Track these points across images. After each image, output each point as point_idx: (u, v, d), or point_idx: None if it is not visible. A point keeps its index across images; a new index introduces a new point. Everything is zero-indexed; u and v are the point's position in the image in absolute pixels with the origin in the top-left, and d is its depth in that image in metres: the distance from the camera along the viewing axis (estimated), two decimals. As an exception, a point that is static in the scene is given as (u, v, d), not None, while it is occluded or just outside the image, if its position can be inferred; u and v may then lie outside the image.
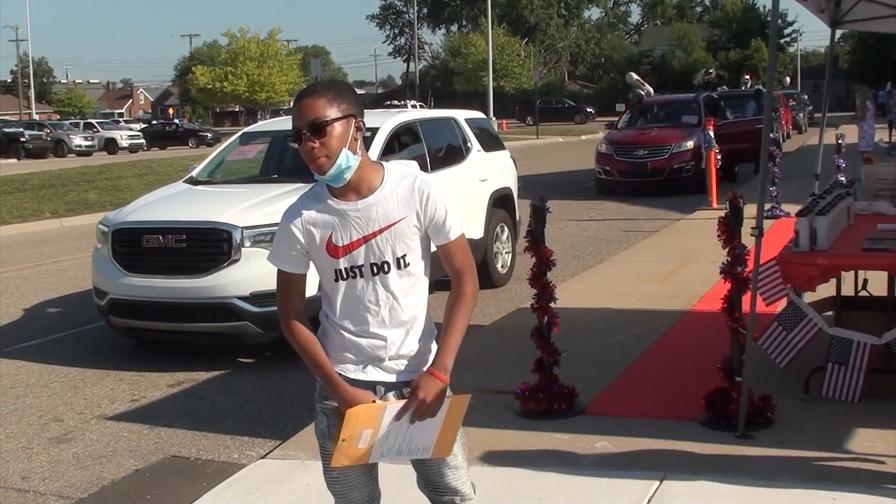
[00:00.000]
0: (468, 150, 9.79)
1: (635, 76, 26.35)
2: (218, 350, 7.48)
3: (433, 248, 2.84)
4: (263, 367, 7.22)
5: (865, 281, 6.47)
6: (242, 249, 6.95)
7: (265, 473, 4.85)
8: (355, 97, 2.76)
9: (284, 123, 10.50)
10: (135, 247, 7.28)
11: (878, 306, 6.01)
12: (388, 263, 2.80)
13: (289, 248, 2.88)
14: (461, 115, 10.33)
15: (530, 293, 5.61)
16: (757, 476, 4.41)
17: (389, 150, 8.55)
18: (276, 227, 7.30)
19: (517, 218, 10.53)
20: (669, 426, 5.13)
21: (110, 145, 47.21)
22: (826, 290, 5.90)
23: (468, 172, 9.57)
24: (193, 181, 8.83)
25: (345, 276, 2.83)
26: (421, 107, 61.02)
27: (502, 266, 10.08)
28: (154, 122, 64.74)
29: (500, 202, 10.07)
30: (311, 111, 2.68)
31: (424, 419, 2.75)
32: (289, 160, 9.29)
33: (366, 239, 2.78)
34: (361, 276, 2.81)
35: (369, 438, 2.77)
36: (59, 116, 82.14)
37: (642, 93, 25.39)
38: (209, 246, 7.09)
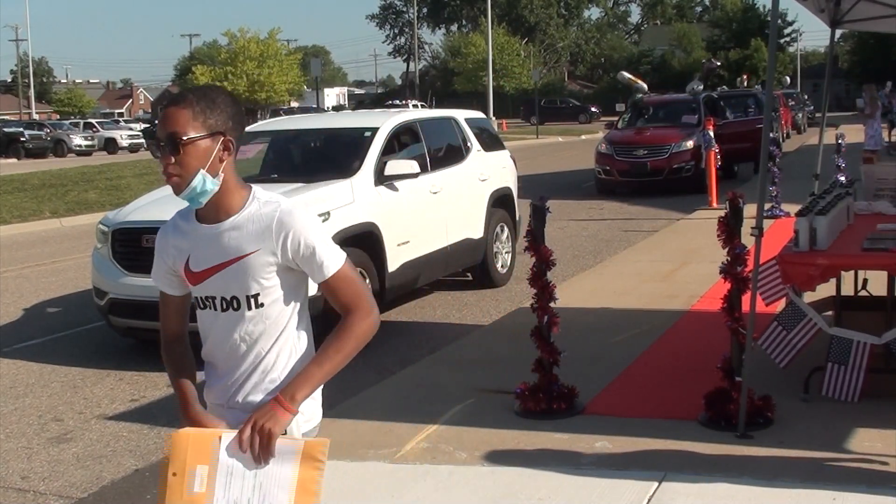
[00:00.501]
0: (468, 149, 9.78)
1: (627, 75, 26.33)
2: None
3: (315, 288, 2.55)
4: (263, 367, 7.22)
5: (865, 281, 6.47)
6: None
7: (265, 473, 4.84)
8: (231, 110, 2.45)
9: (284, 123, 10.52)
10: (135, 246, 7.25)
11: (877, 306, 6.01)
12: (237, 300, 2.50)
13: (160, 267, 2.64)
14: (461, 114, 10.32)
15: (530, 293, 5.61)
16: (757, 476, 4.41)
17: (389, 151, 8.55)
18: None
19: (517, 218, 10.52)
20: (669, 426, 5.13)
21: (110, 145, 47.18)
22: (826, 289, 5.90)
23: (468, 172, 9.57)
24: None
25: (201, 305, 2.58)
26: (422, 106, 61.07)
27: (502, 266, 10.07)
28: (156, 121, 64.60)
29: (500, 202, 10.06)
30: (172, 123, 2.38)
31: (266, 457, 2.34)
32: (289, 160, 9.31)
33: (216, 269, 2.49)
34: (214, 308, 2.54)
35: (206, 481, 2.37)
36: (58, 116, 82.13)
37: (642, 90, 25.40)
38: None
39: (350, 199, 7.66)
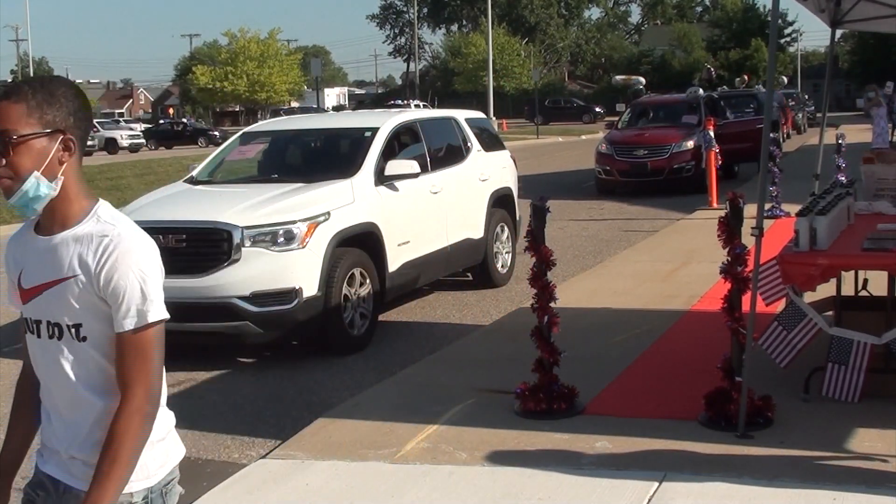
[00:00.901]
0: (468, 149, 9.76)
1: (620, 77, 26.46)
2: (218, 350, 7.48)
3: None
4: (263, 367, 7.23)
5: (865, 281, 6.47)
6: (242, 249, 6.95)
7: (265, 473, 4.86)
8: (73, 105, 2.15)
9: (285, 123, 10.58)
10: None
11: (878, 306, 6.01)
12: (60, 328, 2.17)
13: (9, 283, 2.31)
14: (461, 114, 10.30)
15: (530, 293, 5.61)
16: (757, 476, 4.41)
17: (390, 151, 8.52)
18: (277, 227, 6.79)
19: (517, 218, 10.51)
20: (669, 426, 5.13)
21: (110, 145, 47.20)
22: (826, 290, 5.89)
23: (468, 172, 9.56)
24: (193, 181, 8.82)
25: (28, 329, 2.26)
26: (424, 106, 61.06)
27: (502, 266, 10.06)
28: (162, 121, 64.65)
29: (501, 202, 10.04)
30: (3, 119, 2.08)
31: None
32: (289, 160, 9.33)
33: (42, 287, 2.18)
34: (39, 334, 2.22)
35: None
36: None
37: (641, 86, 25.44)
38: (209, 246, 7.09)
39: (350, 199, 7.65)
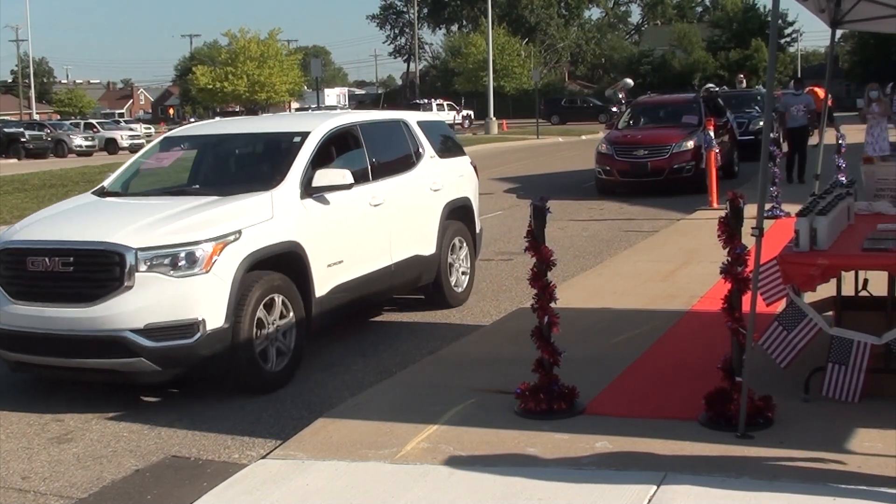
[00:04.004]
0: (420, 156, 8.85)
1: (609, 90, 26.56)
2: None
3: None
4: (264, 367, 7.22)
5: (866, 281, 6.47)
6: (136, 274, 6.06)
7: (265, 473, 4.86)
8: None
9: (207, 128, 9.42)
10: (20, 270, 6.33)
11: (878, 306, 6.01)
12: None
13: None
14: (413, 117, 9.42)
15: (530, 293, 5.62)
16: (757, 476, 4.41)
17: (324, 158, 7.59)
18: (178, 249, 6.13)
19: (478, 230, 9.72)
20: (669, 426, 5.13)
21: (111, 145, 47.19)
22: (826, 290, 5.90)
23: (418, 181, 8.65)
24: (103, 192, 7.84)
25: None
26: (448, 107, 61.11)
27: (457, 284, 9.16)
28: (167, 121, 64.59)
29: (456, 214, 9.15)
30: None
31: None
32: (208, 169, 8.34)
33: None
34: None
35: None
36: (59, 116, 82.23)
37: (620, 95, 25.54)
38: (99, 270, 6.18)
39: (268, 214, 6.74)
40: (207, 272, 6.16)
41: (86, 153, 43.92)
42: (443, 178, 8.98)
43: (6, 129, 45.44)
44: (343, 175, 7.30)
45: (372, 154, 8.16)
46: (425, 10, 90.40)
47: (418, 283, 8.62)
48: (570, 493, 4.37)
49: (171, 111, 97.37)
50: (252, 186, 7.08)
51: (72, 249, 6.26)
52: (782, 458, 4.63)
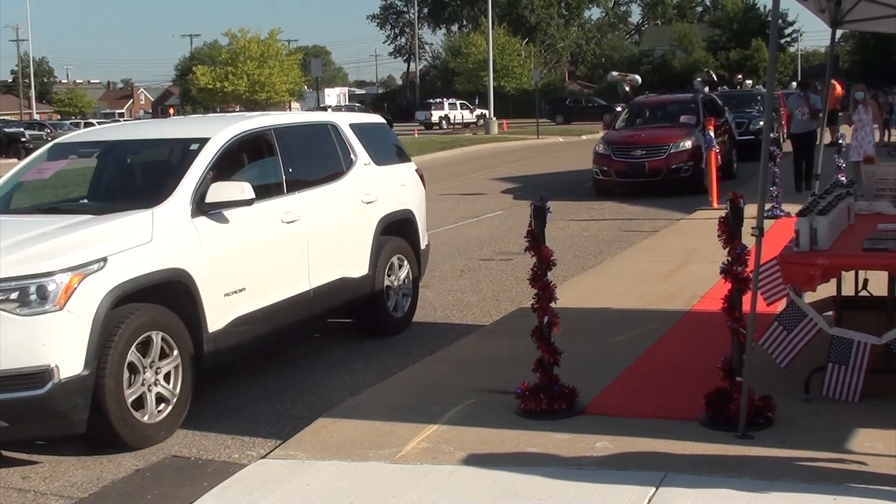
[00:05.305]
0: (350, 163, 7.77)
1: (616, 74, 26.35)
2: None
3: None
4: (263, 368, 7.22)
5: (866, 281, 6.48)
6: None
7: (265, 473, 4.86)
8: None
9: (101, 133, 8.07)
10: None
11: (878, 306, 6.01)
12: None
13: None
14: (345, 119, 8.27)
15: (530, 293, 5.62)
16: (757, 476, 4.41)
17: (227, 170, 6.58)
18: (25, 282, 5.17)
19: (424, 246, 8.65)
20: (669, 426, 5.14)
21: (111, 145, 47.15)
22: (826, 290, 5.90)
23: (346, 193, 7.60)
24: None
25: None
26: (462, 105, 61.27)
27: (396, 308, 8.15)
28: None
29: (395, 229, 8.13)
30: None
31: None
32: (93, 182, 7.33)
33: None
34: None
35: None
36: (59, 116, 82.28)
37: (626, 88, 25.33)
38: None
39: (146, 237, 5.69)
40: (61, 309, 5.10)
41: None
42: (379, 189, 7.93)
43: (6, 129, 45.48)
44: (242, 189, 6.22)
45: (288, 163, 7.10)
46: (425, 10, 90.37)
47: (348, 308, 7.65)
48: (570, 492, 4.37)
49: (172, 111, 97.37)
50: (134, 203, 6.09)
51: None
52: (782, 458, 4.63)
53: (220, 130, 6.70)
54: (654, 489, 4.33)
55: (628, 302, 8.40)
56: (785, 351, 5.31)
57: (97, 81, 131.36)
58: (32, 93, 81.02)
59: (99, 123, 52.40)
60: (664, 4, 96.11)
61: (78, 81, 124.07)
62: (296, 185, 7.08)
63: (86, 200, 6.90)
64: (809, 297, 5.84)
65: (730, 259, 5.07)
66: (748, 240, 4.98)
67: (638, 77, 26.88)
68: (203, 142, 6.52)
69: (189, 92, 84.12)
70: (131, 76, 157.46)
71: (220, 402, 6.41)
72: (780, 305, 5.85)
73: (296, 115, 8.62)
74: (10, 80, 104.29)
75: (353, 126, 8.12)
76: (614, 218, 15.39)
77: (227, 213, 6.24)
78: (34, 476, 5.24)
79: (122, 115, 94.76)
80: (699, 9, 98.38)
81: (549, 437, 5.07)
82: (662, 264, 10.20)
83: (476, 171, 26.06)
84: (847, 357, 5.05)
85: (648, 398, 5.68)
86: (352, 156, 7.85)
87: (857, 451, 4.68)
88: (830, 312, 6.03)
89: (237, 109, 63.94)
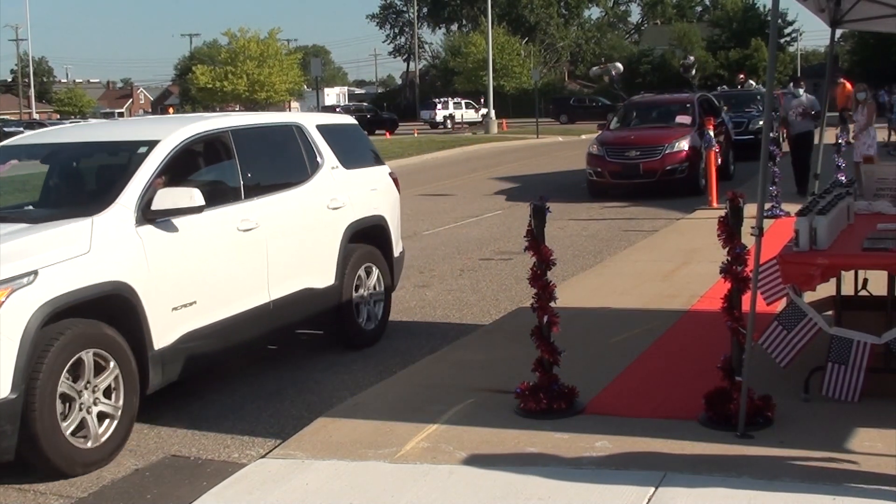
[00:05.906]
0: (316, 167, 7.42)
1: (596, 68, 26.21)
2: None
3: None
4: (263, 367, 7.22)
5: (865, 281, 6.48)
6: None
7: (265, 473, 4.86)
8: None
9: (58, 134, 7.56)
10: None
11: (878, 306, 6.01)
12: None
13: None
14: (311, 120, 7.86)
15: (530, 293, 5.62)
16: (756, 476, 4.41)
17: (178, 175, 6.18)
18: None
19: (398, 254, 8.32)
20: (669, 426, 5.14)
21: (110, 145, 47.18)
22: (826, 289, 5.90)
23: (310, 198, 7.22)
24: None
25: None
26: (467, 105, 61.20)
27: (367, 319, 7.79)
28: None
29: (364, 236, 7.74)
30: None
31: None
32: (54, 187, 6.97)
33: None
34: None
35: None
36: (59, 116, 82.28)
37: (612, 73, 25.13)
38: None
39: (84, 248, 5.29)
40: None
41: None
42: (347, 194, 7.56)
43: (6, 129, 45.52)
44: (190, 195, 5.83)
45: (246, 167, 6.72)
46: (425, 10, 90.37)
47: (313, 320, 7.31)
48: (570, 492, 4.37)
49: (171, 110, 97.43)
50: (76, 210, 5.66)
51: None
52: (782, 457, 4.63)
53: (171, 132, 6.31)
54: (653, 489, 4.33)
55: (628, 301, 8.40)
56: (784, 350, 5.31)
57: (97, 81, 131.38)
58: (32, 92, 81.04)
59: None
60: (664, 4, 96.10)
61: (77, 81, 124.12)
62: (254, 190, 6.72)
63: (30, 207, 6.52)
64: (809, 296, 5.84)
65: (729, 259, 5.07)
66: (748, 239, 4.98)
67: (619, 65, 26.66)
68: (152, 144, 6.13)
69: (189, 91, 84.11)
70: (131, 76, 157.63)
71: (220, 402, 6.41)
72: (780, 305, 5.86)
73: (258, 116, 8.11)
74: (9, 80, 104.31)
75: (320, 127, 7.74)
76: (614, 217, 15.39)
77: (176, 220, 5.88)
78: (34, 475, 5.24)
79: (121, 114, 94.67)
80: (699, 8, 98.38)
81: (549, 436, 5.08)
82: (662, 264, 10.20)
83: (475, 171, 26.06)
84: (847, 357, 5.05)
85: (648, 398, 5.68)
86: (318, 159, 7.50)
87: (856, 451, 4.68)
88: (830, 312, 6.03)
89: (237, 109, 63.97)
